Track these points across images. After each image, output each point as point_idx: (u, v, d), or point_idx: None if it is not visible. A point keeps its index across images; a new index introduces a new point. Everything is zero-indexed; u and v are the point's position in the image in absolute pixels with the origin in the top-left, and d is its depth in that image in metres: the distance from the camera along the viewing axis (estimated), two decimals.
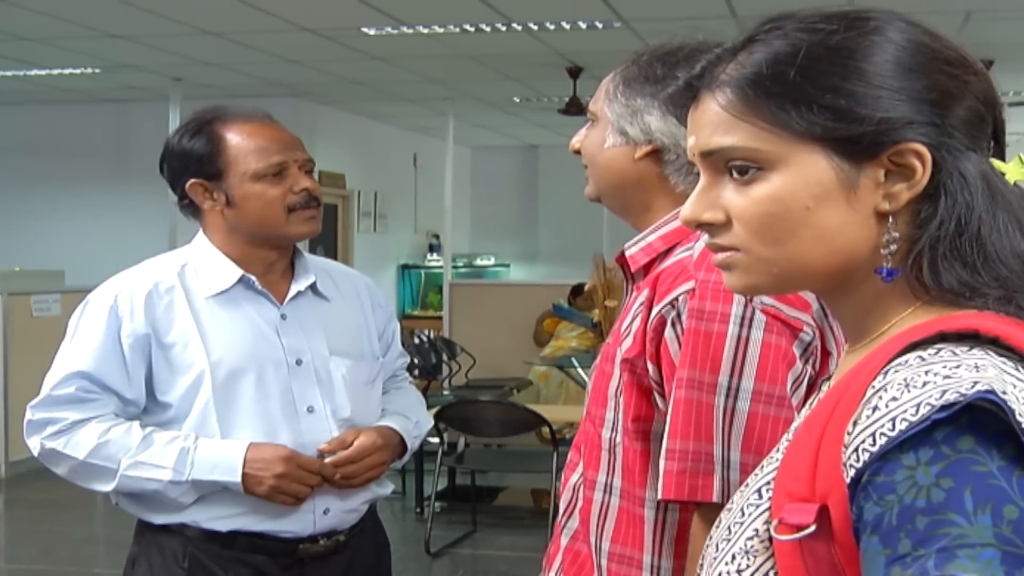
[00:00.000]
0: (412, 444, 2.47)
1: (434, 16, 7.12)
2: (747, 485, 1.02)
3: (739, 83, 0.98)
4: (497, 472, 7.48)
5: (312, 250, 11.04)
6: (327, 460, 2.27)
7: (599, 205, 1.90)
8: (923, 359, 0.86)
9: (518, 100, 10.82)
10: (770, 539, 0.93)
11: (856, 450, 0.84)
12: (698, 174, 1.76)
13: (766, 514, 0.94)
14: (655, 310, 1.62)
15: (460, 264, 13.50)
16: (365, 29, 7.39)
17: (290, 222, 2.29)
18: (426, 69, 9.02)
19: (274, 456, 2.21)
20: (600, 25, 7.22)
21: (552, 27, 7.34)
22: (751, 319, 1.55)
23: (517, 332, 10.06)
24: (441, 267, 12.43)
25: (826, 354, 1.62)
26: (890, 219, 0.95)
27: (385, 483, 2.44)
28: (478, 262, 14.63)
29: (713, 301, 1.56)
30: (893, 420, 0.82)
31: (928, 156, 0.93)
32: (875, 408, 0.84)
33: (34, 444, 2.26)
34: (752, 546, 0.94)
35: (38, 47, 8.04)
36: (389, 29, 7.38)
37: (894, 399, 0.84)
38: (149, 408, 2.28)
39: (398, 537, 6.96)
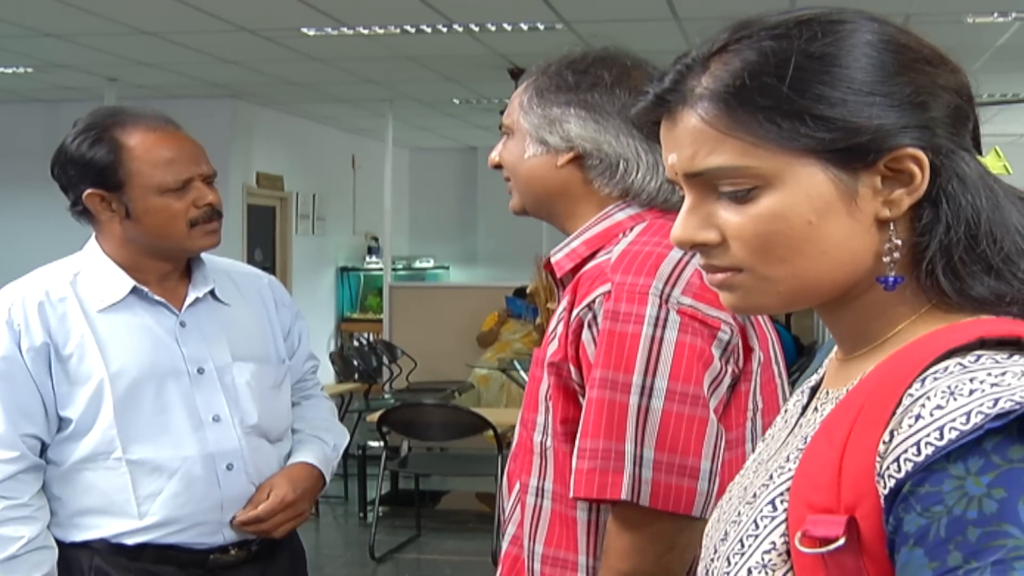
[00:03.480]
0: (330, 470, 2.42)
1: (375, 17, 7.06)
2: (755, 495, 0.97)
3: (721, 95, 0.93)
4: (440, 476, 7.45)
5: (250, 253, 10.94)
6: (237, 520, 2.21)
7: None
8: (964, 366, 0.84)
9: (458, 102, 10.78)
10: (788, 552, 0.89)
11: (897, 460, 0.81)
12: (622, 174, 1.76)
13: (783, 526, 0.91)
14: (574, 313, 1.66)
15: (399, 267, 13.45)
16: (305, 30, 7.32)
17: (191, 236, 2.21)
18: (365, 70, 8.95)
19: None
20: (542, 27, 7.19)
21: (493, 28, 7.31)
22: (665, 320, 1.59)
23: (458, 335, 10.04)
24: (380, 269, 12.38)
25: (748, 351, 1.66)
26: (891, 226, 0.93)
27: None
28: (417, 264, 14.57)
29: (628, 303, 1.60)
30: (940, 429, 0.80)
31: (926, 160, 0.91)
32: (918, 416, 0.82)
33: None
34: (770, 560, 0.90)
35: None
36: (329, 30, 7.31)
37: (939, 407, 0.81)
38: None
39: (342, 542, 6.91)
